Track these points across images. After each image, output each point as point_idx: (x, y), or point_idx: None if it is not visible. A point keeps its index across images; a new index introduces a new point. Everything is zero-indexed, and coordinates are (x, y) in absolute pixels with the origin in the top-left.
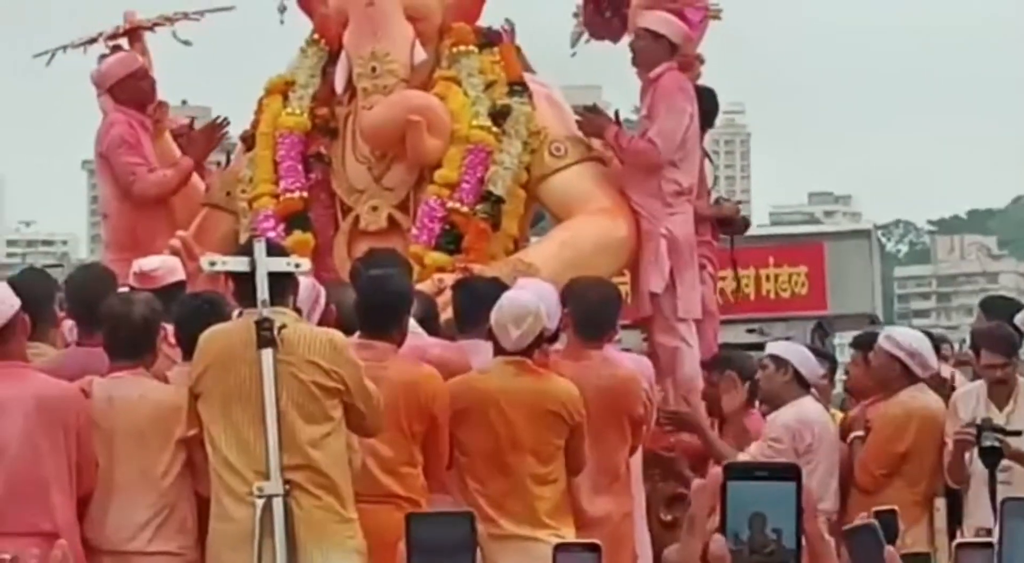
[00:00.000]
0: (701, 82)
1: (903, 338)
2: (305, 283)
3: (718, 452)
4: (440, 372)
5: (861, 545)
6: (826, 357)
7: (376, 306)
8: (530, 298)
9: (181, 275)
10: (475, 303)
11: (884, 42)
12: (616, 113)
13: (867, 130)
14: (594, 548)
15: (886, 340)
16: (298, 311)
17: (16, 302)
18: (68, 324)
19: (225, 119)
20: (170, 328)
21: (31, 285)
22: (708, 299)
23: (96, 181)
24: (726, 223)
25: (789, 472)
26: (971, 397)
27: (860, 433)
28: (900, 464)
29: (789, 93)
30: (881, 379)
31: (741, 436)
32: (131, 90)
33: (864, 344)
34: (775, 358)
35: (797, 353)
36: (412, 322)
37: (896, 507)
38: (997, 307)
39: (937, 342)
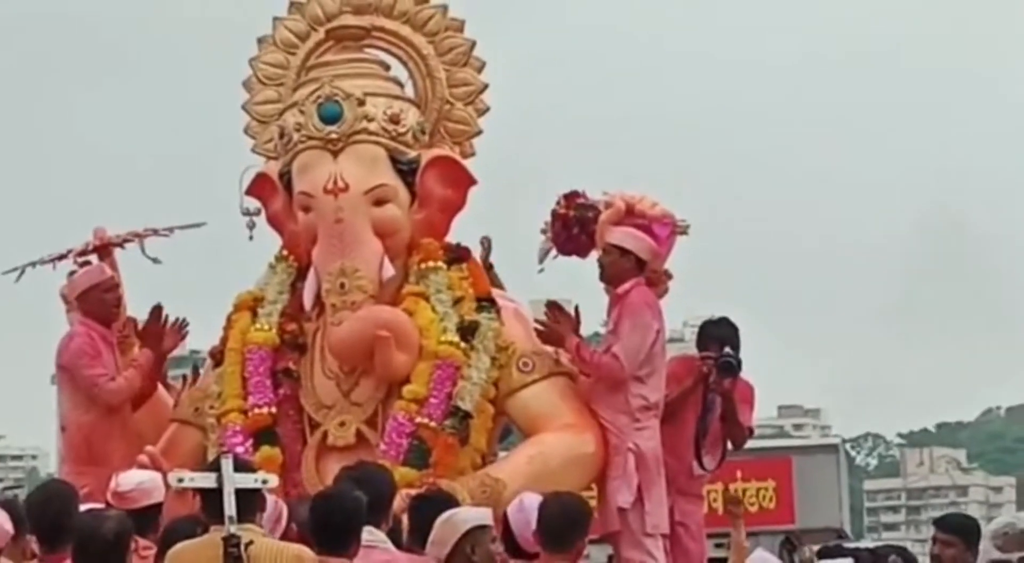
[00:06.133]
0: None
1: None
2: (267, 500)
3: None
4: None
5: None
6: None
7: (329, 524)
8: (471, 513)
9: (158, 497)
10: (431, 519)
11: (850, 259)
12: (577, 310)
13: (836, 343)
14: None
15: None
16: None
17: (10, 529)
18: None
19: (179, 319)
20: (142, 542)
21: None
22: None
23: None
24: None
25: None
26: None
27: None
28: None
29: (756, 306)
30: None
31: None
32: (96, 302)
33: (828, 556)
34: None
35: None
36: (382, 535)
37: None
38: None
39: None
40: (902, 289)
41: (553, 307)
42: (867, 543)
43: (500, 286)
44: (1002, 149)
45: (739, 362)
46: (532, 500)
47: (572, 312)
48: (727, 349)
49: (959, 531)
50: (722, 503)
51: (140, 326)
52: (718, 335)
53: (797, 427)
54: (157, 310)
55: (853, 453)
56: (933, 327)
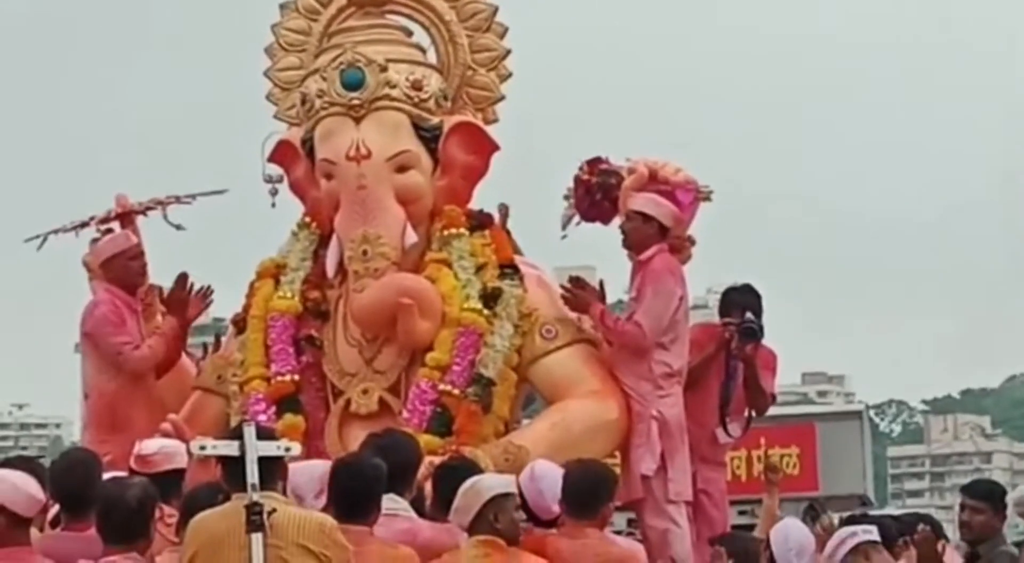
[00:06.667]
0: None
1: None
2: (317, 465)
3: None
4: (431, 554)
5: None
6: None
7: (350, 491)
8: (495, 480)
9: (180, 462)
10: (454, 487)
11: (878, 227)
12: (601, 283)
13: (860, 310)
14: None
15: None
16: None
17: (43, 498)
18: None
19: (204, 287)
20: (167, 509)
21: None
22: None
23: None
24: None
25: None
26: None
27: None
28: None
29: (780, 273)
30: None
31: None
32: (121, 269)
33: (853, 524)
34: None
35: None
36: (404, 503)
37: None
38: (984, 489)
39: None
40: (931, 258)
41: (575, 281)
42: (891, 510)
43: (518, 252)
44: None
45: (761, 328)
46: (543, 468)
47: (597, 282)
48: (748, 315)
49: (987, 497)
50: (760, 469)
51: (165, 294)
52: (741, 301)
53: (821, 394)
54: (183, 278)
55: (877, 420)
56: (958, 294)
